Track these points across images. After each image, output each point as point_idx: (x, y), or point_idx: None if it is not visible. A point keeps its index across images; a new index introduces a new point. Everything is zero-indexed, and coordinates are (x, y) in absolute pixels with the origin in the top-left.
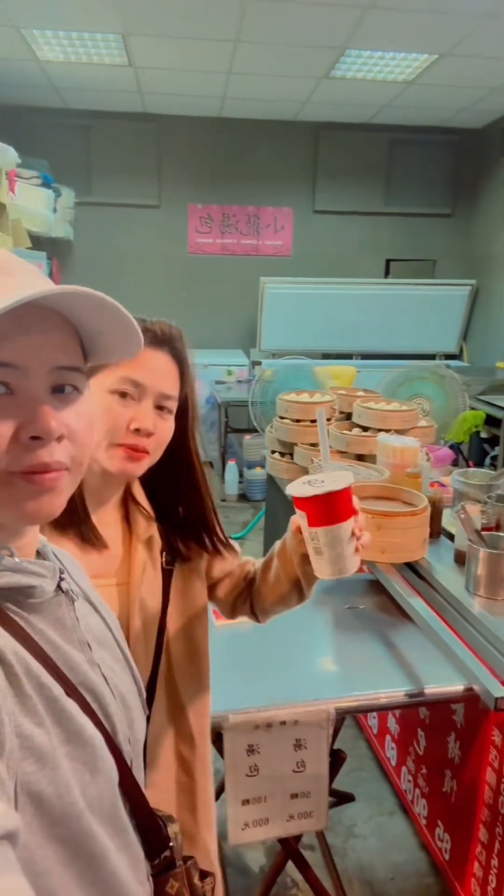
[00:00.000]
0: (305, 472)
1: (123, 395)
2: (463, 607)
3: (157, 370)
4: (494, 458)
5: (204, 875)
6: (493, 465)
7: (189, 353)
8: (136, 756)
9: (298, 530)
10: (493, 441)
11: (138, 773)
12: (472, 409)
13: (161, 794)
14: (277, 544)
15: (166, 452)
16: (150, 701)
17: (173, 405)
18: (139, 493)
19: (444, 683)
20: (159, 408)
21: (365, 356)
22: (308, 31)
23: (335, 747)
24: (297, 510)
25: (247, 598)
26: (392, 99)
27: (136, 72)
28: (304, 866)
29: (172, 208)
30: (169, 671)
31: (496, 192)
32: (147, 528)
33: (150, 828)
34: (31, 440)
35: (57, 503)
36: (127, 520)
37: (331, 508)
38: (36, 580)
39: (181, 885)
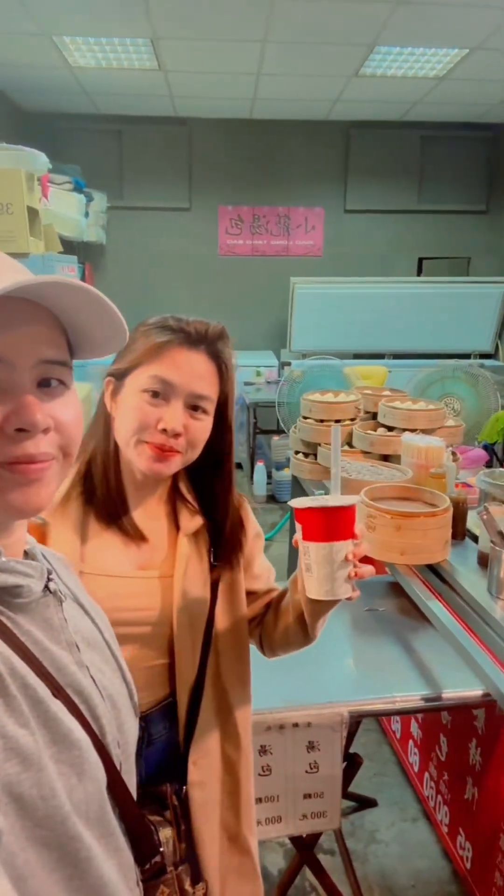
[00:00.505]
0: (328, 472)
1: (155, 394)
2: (484, 611)
3: (190, 370)
4: None
5: (196, 880)
6: None
7: (230, 353)
8: (125, 759)
9: (296, 543)
10: None
11: (128, 776)
12: None
13: (206, 794)
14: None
15: (206, 450)
16: (197, 698)
17: (209, 405)
18: (185, 487)
19: (462, 688)
20: (193, 408)
21: (397, 356)
22: (336, 28)
23: (353, 751)
24: (297, 524)
25: (259, 623)
26: (423, 95)
27: (167, 75)
28: (319, 870)
29: (203, 211)
30: (216, 668)
31: None
32: (192, 521)
33: (139, 832)
34: (17, 432)
35: (44, 494)
36: (174, 514)
37: (326, 525)
38: (23, 580)
39: (172, 892)
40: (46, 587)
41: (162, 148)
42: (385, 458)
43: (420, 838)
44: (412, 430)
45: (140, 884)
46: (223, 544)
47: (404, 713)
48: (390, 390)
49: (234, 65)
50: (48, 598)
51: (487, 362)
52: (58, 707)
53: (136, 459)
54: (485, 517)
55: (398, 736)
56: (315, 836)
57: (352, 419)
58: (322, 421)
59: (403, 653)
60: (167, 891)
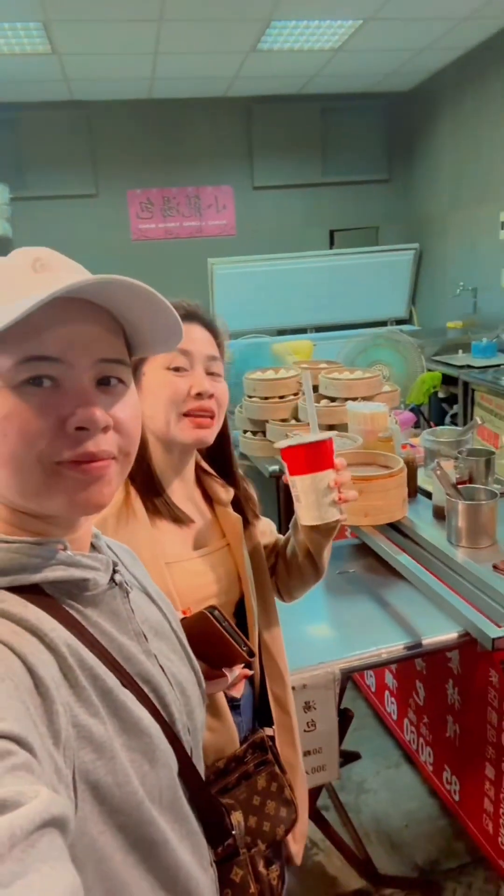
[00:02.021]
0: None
1: (177, 368)
2: (448, 558)
3: (198, 339)
4: (454, 416)
5: (269, 863)
6: (454, 423)
7: (216, 321)
8: (195, 745)
9: (286, 480)
10: (451, 400)
11: (198, 762)
12: (429, 370)
13: (278, 733)
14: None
15: None
16: (260, 650)
17: (220, 368)
18: (206, 464)
19: (438, 633)
20: (210, 373)
21: (319, 329)
22: (231, 5)
23: (342, 706)
24: (283, 462)
25: (273, 572)
26: (321, 68)
27: (61, 59)
28: (325, 826)
29: (111, 196)
30: (264, 615)
31: (430, 153)
32: (226, 492)
33: (211, 816)
34: (77, 431)
35: (106, 492)
36: (204, 491)
37: (306, 458)
38: (89, 573)
39: (245, 873)
40: (112, 579)
41: (62, 134)
42: (331, 427)
43: (405, 781)
44: (353, 399)
45: (214, 865)
46: (246, 505)
47: (390, 663)
48: (326, 363)
49: (130, 45)
50: (114, 590)
51: (404, 327)
52: (127, 696)
53: (180, 434)
54: (438, 472)
55: (373, 689)
56: (316, 792)
57: (294, 394)
58: (267, 398)
59: (379, 608)
60: (241, 872)
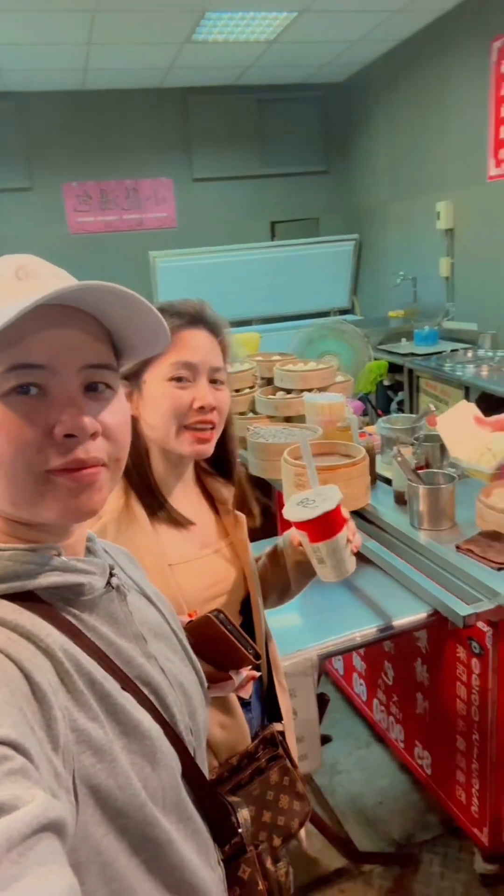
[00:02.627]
0: (242, 442)
1: (179, 379)
2: (412, 541)
3: (202, 347)
4: (400, 403)
5: (277, 859)
6: (401, 410)
7: (221, 321)
8: (198, 746)
9: (298, 543)
10: (395, 388)
11: (201, 762)
12: (375, 359)
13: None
14: (268, 549)
15: None
16: (266, 644)
17: (224, 376)
18: (206, 463)
19: (408, 614)
20: (213, 381)
21: (265, 321)
22: None
23: (318, 692)
24: (296, 530)
25: None
26: (256, 59)
27: None
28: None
29: (46, 189)
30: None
31: (365, 144)
32: (227, 490)
33: (217, 815)
34: (66, 438)
35: (97, 499)
36: (205, 490)
37: (327, 525)
38: (84, 578)
39: (253, 871)
40: (109, 582)
41: None
42: (288, 419)
43: (377, 760)
44: (309, 390)
45: (221, 863)
46: (243, 501)
47: (365, 645)
48: (280, 355)
49: (62, 35)
50: (112, 593)
51: (348, 317)
52: (126, 699)
53: (179, 447)
54: (399, 459)
55: (341, 673)
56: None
57: (251, 387)
58: None
59: (349, 594)
60: (248, 870)
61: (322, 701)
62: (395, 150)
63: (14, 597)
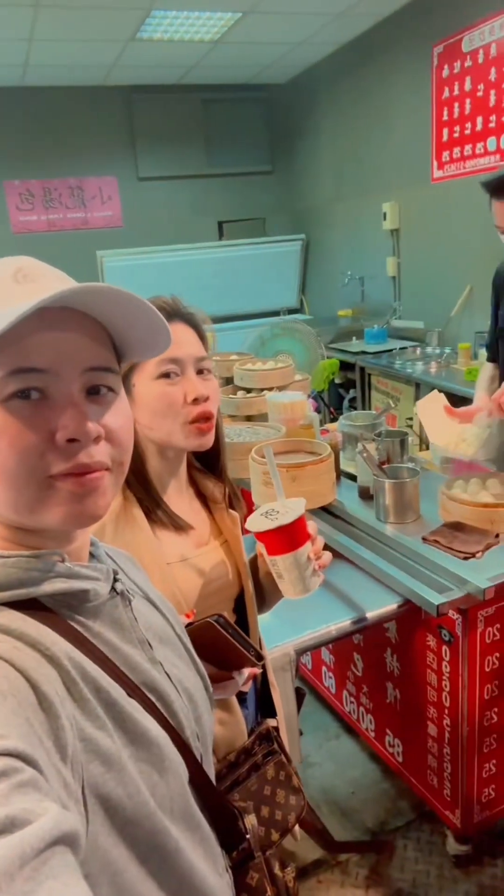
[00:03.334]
0: None
1: (167, 375)
2: (379, 534)
3: (184, 340)
4: (352, 400)
5: (284, 864)
6: (353, 407)
7: (197, 312)
8: (205, 751)
9: (260, 554)
10: (346, 385)
11: (209, 767)
12: (327, 358)
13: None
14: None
15: None
16: (247, 630)
17: (210, 364)
18: (196, 462)
19: (380, 606)
20: (199, 372)
21: (215, 320)
22: None
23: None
24: (257, 541)
25: None
26: (200, 58)
27: None
28: None
29: None
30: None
31: (310, 145)
32: (219, 488)
33: (225, 821)
34: (69, 443)
35: (101, 503)
36: (197, 488)
37: (286, 538)
38: (89, 584)
39: (261, 876)
40: (113, 588)
41: None
42: (249, 418)
43: (347, 751)
44: (269, 389)
45: (229, 870)
46: (232, 497)
47: (340, 638)
48: (237, 354)
49: (3, 30)
50: (116, 599)
51: (297, 317)
52: (133, 707)
53: (183, 442)
54: (364, 455)
55: (310, 667)
56: None
57: None
58: None
59: (322, 589)
60: (257, 876)
61: (299, 695)
62: (340, 151)
63: (18, 604)
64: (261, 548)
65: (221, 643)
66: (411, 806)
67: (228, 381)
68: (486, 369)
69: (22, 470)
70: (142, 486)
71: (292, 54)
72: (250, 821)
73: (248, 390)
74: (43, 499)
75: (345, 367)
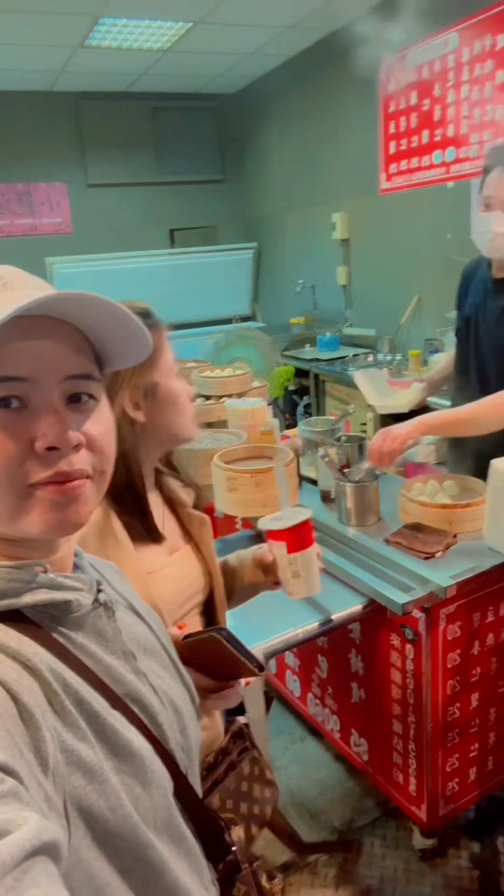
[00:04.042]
0: None
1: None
2: (342, 536)
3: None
4: (307, 406)
5: (272, 876)
6: (308, 413)
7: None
8: (190, 763)
9: (271, 562)
10: (300, 392)
11: (194, 779)
12: (282, 365)
13: None
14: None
15: None
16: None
17: None
18: (162, 464)
19: (345, 607)
20: None
21: (167, 328)
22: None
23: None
24: (273, 542)
25: None
26: (150, 67)
27: None
28: None
29: None
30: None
31: (260, 155)
32: (187, 492)
33: (210, 833)
34: (48, 451)
35: (82, 512)
36: (164, 494)
37: (304, 535)
38: (72, 595)
39: (248, 889)
40: (96, 599)
41: None
42: (209, 425)
43: (312, 753)
44: (228, 396)
45: (216, 883)
46: (198, 498)
47: (308, 640)
48: (195, 362)
49: None
50: (99, 610)
51: (250, 325)
52: (115, 719)
53: (192, 430)
54: (327, 459)
55: (274, 671)
56: None
57: None
58: None
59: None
60: (244, 888)
61: (267, 699)
62: (290, 161)
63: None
64: (276, 550)
65: (222, 655)
66: (377, 804)
67: None
68: (443, 358)
69: (2, 478)
70: (136, 503)
71: (242, 65)
72: (237, 832)
73: (207, 397)
74: (23, 507)
75: (299, 373)
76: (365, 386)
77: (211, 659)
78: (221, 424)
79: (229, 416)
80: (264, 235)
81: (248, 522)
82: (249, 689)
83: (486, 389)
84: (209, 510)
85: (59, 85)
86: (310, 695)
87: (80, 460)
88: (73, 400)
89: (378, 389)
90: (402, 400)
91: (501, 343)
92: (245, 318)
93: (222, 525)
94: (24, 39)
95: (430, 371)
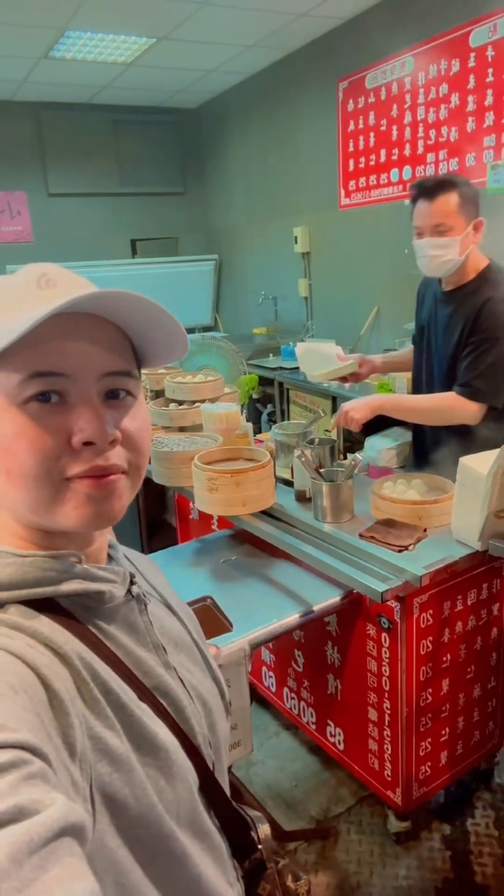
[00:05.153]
0: None
1: None
2: (318, 532)
3: None
4: (271, 413)
5: (297, 877)
6: (272, 420)
7: None
8: (218, 759)
9: None
10: (265, 400)
11: (221, 775)
12: (247, 374)
13: None
14: None
15: None
16: None
17: None
18: None
19: (325, 599)
20: None
21: None
22: (27, 11)
23: None
24: None
25: None
26: (112, 80)
27: None
28: (238, 797)
29: None
30: None
31: (220, 169)
32: None
33: (236, 830)
34: (85, 446)
35: (117, 507)
36: None
37: None
38: (105, 586)
39: (273, 888)
40: (129, 591)
41: None
42: (182, 429)
43: (286, 747)
44: (201, 402)
45: (241, 880)
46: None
47: (290, 631)
48: (165, 368)
49: None
50: (131, 602)
51: (213, 334)
52: (143, 711)
53: None
54: (303, 459)
55: (249, 669)
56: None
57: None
58: None
59: (267, 586)
60: (268, 887)
61: (252, 689)
62: (251, 176)
63: (34, 603)
64: None
65: (210, 621)
66: (351, 792)
67: (158, 393)
68: (404, 351)
69: (40, 472)
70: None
71: (203, 81)
72: (264, 830)
73: (180, 402)
74: (59, 500)
75: (262, 382)
76: (305, 356)
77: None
78: (196, 428)
79: (204, 420)
80: (225, 247)
81: (226, 522)
82: (233, 680)
83: (432, 390)
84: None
85: (21, 95)
86: (286, 689)
87: (116, 455)
88: (111, 396)
89: (321, 360)
90: (330, 370)
91: (448, 348)
92: (207, 329)
93: (198, 526)
94: None
95: (388, 355)
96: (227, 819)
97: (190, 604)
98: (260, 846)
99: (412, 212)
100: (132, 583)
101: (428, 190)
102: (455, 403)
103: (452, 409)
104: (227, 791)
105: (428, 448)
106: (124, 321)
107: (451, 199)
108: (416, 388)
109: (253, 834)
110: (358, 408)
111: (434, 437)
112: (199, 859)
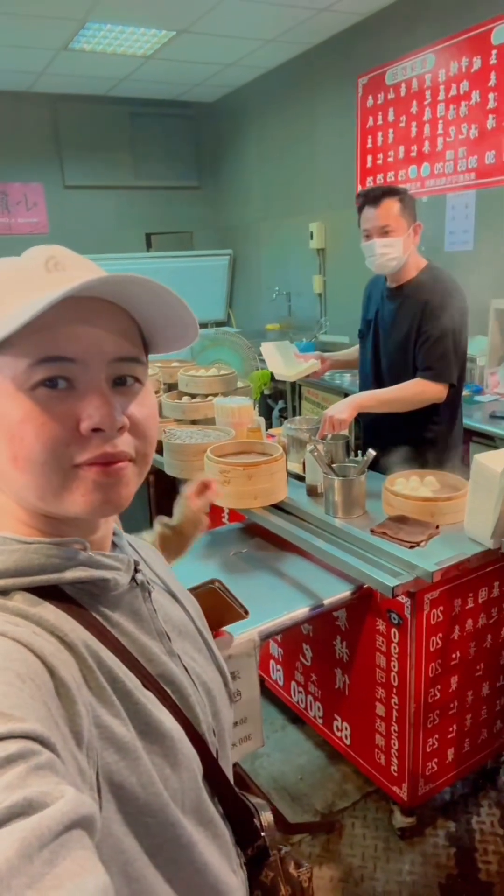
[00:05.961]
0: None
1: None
2: (330, 526)
3: None
4: (283, 409)
5: (300, 865)
6: (283, 416)
7: None
8: (221, 747)
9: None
10: (276, 396)
11: (225, 763)
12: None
13: None
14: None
15: None
16: None
17: None
18: None
19: (335, 593)
20: None
21: None
22: (49, 2)
23: None
24: None
25: None
26: (130, 72)
27: None
28: (245, 788)
29: None
30: None
31: (236, 164)
32: None
33: (240, 817)
34: (93, 432)
35: (125, 494)
36: None
37: None
38: (109, 573)
39: (276, 875)
40: (133, 579)
41: None
42: (194, 422)
43: (293, 740)
44: (214, 395)
45: (243, 867)
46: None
47: (300, 623)
48: (178, 362)
49: None
50: (136, 590)
51: (226, 329)
52: (147, 698)
53: None
54: (316, 454)
55: (258, 660)
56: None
57: (156, 392)
58: None
59: (277, 579)
60: (271, 874)
61: (261, 681)
62: (267, 171)
63: (39, 590)
64: None
65: (216, 604)
66: (356, 787)
67: (171, 386)
68: (351, 350)
69: (48, 458)
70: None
71: (221, 75)
72: (266, 818)
73: (193, 395)
74: (67, 487)
75: (274, 378)
76: (271, 355)
77: (205, 610)
78: (208, 421)
79: (217, 414)
80: (240, 243)
81: (236, 515)
82: (243, 671)
83: (379, 381)
84: None
85: (38, 86)
86: (293, 683)
87: (124, 442)
88: (119, 382)
89: (284, 359)
90: (300, 370)
91: (397, 337)
92: (220, 324)
93: (209, 518)
94: (7, 40)
95: (338, 354)
96: (230, 807)
97: (196, 587)
98: (263, 833)
99: (359, 219)
100: (136, 570)
101: (374, 197)
102: (424, 387)
103: (423, 392)
104: (231, 779)
105: (380, 433)
106: (134, 306)
107: (394, 205)
108: (363, 376)
109: (256, 821)
110: (340, 410)
111: (386, 421)
112: (205, 847)
